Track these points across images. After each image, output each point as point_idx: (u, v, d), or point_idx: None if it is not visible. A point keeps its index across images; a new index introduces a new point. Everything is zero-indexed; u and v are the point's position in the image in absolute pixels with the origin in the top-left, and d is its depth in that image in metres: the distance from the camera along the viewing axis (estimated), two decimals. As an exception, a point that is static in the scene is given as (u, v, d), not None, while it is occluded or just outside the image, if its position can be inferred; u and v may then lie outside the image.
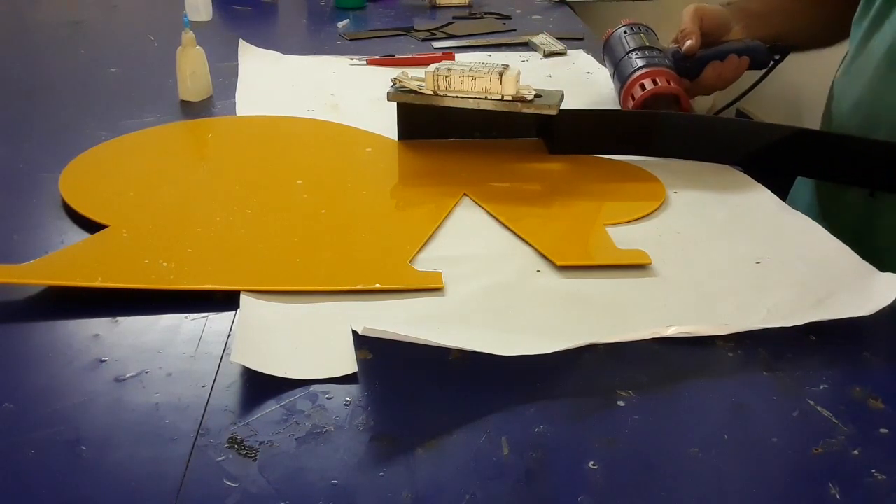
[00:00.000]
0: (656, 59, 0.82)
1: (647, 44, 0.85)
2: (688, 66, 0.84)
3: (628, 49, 0.85)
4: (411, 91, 0.75)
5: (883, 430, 0.42)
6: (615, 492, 0.38)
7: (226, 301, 0.52)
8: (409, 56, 1.08)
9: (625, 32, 0.87)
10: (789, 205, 0.67)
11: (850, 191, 0.77)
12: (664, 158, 0.75)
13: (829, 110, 0.83)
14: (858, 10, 0.80)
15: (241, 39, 1.12)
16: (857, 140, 0.71)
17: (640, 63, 0.82)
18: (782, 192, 0.71)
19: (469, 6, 1.43)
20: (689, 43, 0.83)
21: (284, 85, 0.97)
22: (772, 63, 0.86)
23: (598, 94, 0.94)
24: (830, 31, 0.89)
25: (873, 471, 0.39)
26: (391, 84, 0.76)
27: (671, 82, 0.80)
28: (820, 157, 0.72)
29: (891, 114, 0.73)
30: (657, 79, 0.80)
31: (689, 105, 0.81)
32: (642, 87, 0.80)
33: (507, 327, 0.50)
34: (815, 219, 0.64)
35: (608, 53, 0.90)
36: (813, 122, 0.84)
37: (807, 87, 1.74)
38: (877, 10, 0.76)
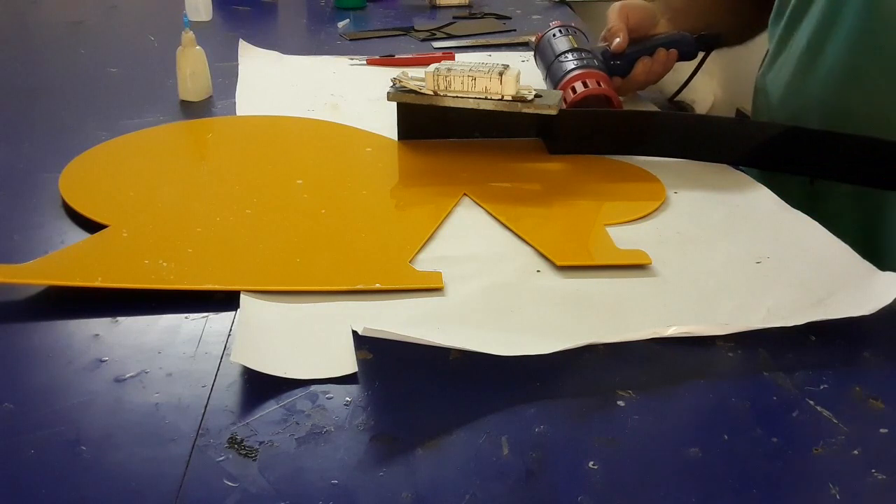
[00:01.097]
0: (585, 61, 0.82)
1: (577, 45, 0.85)
2: (618, 63, 0.85)
3: (558, 52, 0.85)
4: (411, 91, 0.75)
5: (883, 430, 0.42)
6: (615, 492, 0.38)
7: (226, 301, 0.52)
8: (409, 56, 1.08)
9: (553, 35, 0.88)
10: None
11: (791, 179, 0.78)
12: (664, 158, 0.75)
13: (755, 107, 0.85)
14: (774, 10, 0.83)
15: (241, 39, 1.12)
16: (854, 138, 0.71)
17: (570, 66, 0.82)
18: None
19: (469, 6, 1.43)
20: (616, 41, 0.84)
21: (284, 85, 0.97)
22: (703, 55, 0.87)
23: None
24: (745, 29, 0.92)
25: (873, 471, 0.39)
26: (391, 84, 0.76)
27: (601, 83, 0.80)
28: (820, 155, 0.72)
29: (817, 106, 0.76)
30: (587, 80, 0.80)
31: (619, 104, 0.81)
32: (573, 90, 0.80)
33: (507, 327, 0.50)
34: None
35: (540, 56, 0.90)
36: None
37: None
38: (793, 9, 0.79)
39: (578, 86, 0.80)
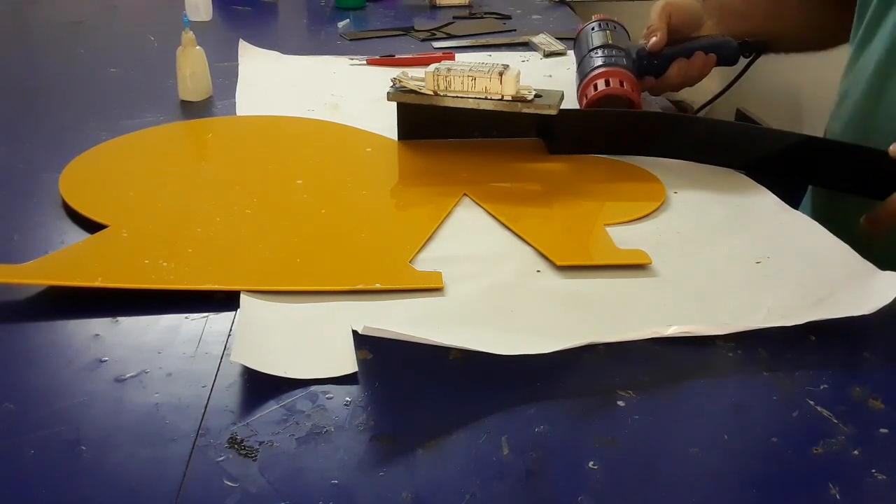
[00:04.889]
0: (614, 59, 0.82)
1: (611, 42, 0.84)
2: (654, 63, 0.84)
3: (591, 47, 0.84)
4: (411, 91, 0.75)
5: (883, 430, 0.42)
6: (615, 492, 0.38)
7: (226, 301, 0.52)
8: (409, 56, 1.08)
9: (592, 29, 0.87)
10: None
11: (847, 213, 0.76)
12: (664, 158, 0.75)
13: (832, 118, 0.83)
14: (854, 23, 0.79)
15: (241, 39, 1.12)
16: (861, 149, 0.70)
17: (597, 62, 0.82)
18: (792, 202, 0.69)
19: (469, 6, 1.43)
20: (653, 40, 0.83)
21: (284, 85, 0.97)
22: (747, 61, 0.86)
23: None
24: (822, 36, 0.88)
25: (873, 471, 0.39)
26: (391, 84, 0.76)
27: (624, 83, 0.79)
28: (821, 164, 0.71)
29: (883, 129, 0.72)
30: (610, 79, 0.79)
31: (639, 107, 0.80)
32: (595, 87, 0.80)
33: (508, 327, 0.50)
34: None
35: (576, 49, 0.89)
36: (813, 123, 0.84)
37: (808, 87, 1.74)
38: (865, 27, 0.76)
39: (601, 83, 0.79)
